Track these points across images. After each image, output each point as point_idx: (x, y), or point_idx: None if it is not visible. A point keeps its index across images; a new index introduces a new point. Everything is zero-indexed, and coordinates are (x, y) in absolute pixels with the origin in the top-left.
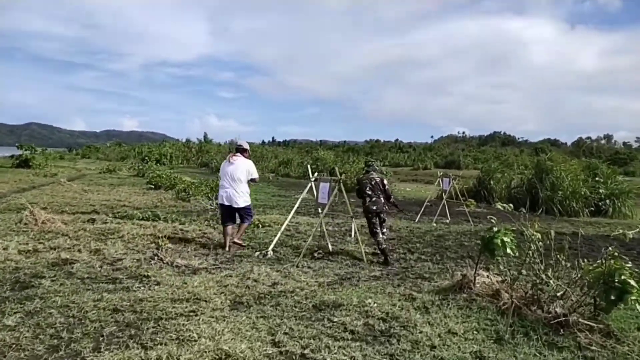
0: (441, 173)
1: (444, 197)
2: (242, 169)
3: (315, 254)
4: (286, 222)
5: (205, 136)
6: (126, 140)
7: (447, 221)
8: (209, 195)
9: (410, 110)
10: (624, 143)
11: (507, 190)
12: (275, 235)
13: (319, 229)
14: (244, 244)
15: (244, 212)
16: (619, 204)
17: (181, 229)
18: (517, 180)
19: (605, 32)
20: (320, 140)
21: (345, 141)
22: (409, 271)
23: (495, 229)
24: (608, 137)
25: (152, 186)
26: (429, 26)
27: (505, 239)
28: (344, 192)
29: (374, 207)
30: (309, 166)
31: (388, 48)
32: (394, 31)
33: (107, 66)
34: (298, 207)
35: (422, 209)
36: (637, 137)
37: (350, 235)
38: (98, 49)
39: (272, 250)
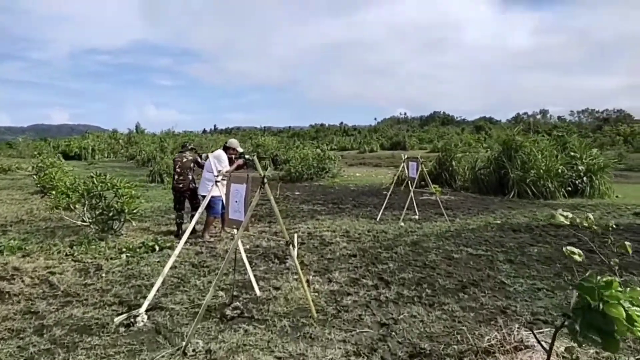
0: (406, 156)
1: (411, 187)
2: (212, 159)
3: (228, 311)
4: (182, 243)
5: (137, 126)
6: (56, 134)
7: (417, 217)
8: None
9: (354, 93)
10: (559, 117)
11: (472, 172)
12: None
13: (235, 260)
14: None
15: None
16: (597, 182)
17: (13, 267)
18: (482, 161)
19: (537, 11)
20: (264, 127)
21: (290, 126)
22: (392, 337)
23: (599, 279)
24: (543, 112)
25: (41, 189)
26: (373, 7)
27: (625, 302)
28: (269, 192)
29: (180, 186)
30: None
31: (331, 30)
32: (337, 12)
33: (30, 55)
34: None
35: (384, 203)
36: (571, 110)
37: (292, 254)
38: (17, 37)
39: (147, 311)
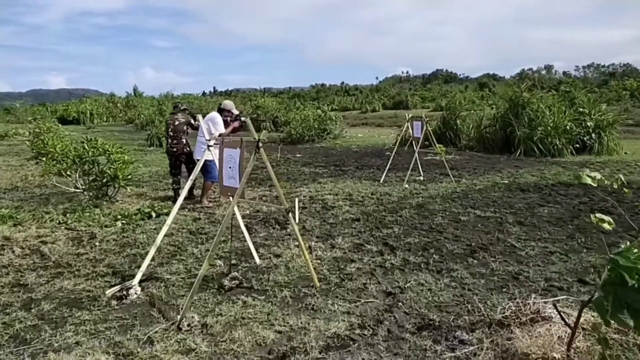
0: (409, 116)
1: (416, 147)
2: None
3: (226, 282)
4: (175, 210)
5: (135, 89)
6: (55, 99)
7: (422, 178)
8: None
9: (354, 52)
10: (564, 72)
11: (477, 130)
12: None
13: (232, 227)
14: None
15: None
16: (606, 138)
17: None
18: (487, 119)
19: None
20: (264, 88)
21: (290, 87)
22: (399, 307)
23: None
24: (548, 68)
25: (38, 155)
26: None
27: None
28: (264, 157)
29: (174, 150)
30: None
31: None
32: None
33: (25, 20)
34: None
35: (388, 164)
36: (576, 65)
37: (293, 220)
38: (10, 2)
39: (141, 282)
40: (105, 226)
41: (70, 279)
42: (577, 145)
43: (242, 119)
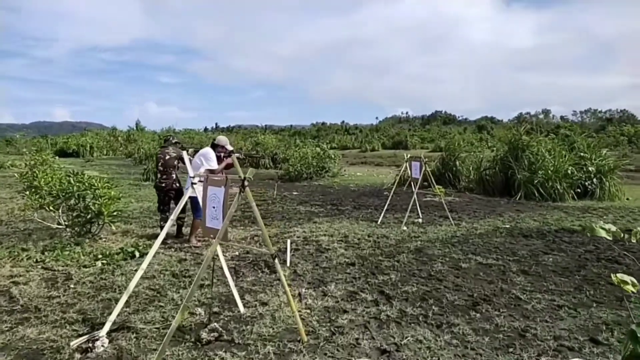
0: (408, 156)
1: (414, 187)
2: (199, 157)
3: (204, 334)
4: (153, 250)
5: (137, 123)
6: (58, 132)
7: (420, 220)
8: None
9: (355, 92)
10: (562, 117)
11: (477, 172)
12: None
13: (213, 270)
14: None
15: (192, 205)
16: (608, 183)
17: None
18: (487, 161)
19: (539, 9)
20: (266, 125)
21: (291, 125)
22: None
23: None
24: (546, 112)
25: (27, 188)
26: (373, 5)
27: None
28: (250, 198)
29: (163, 185)
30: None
31: (333, 28)
32: (338, 10)
33: (34, 53)
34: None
35: (387, 205)
36: (574, 110)
37: (279, 266)
38: (23, 35)
39: (111, 332)
40: (84, 266)
41: (36, 326)
42: (579, 190)
43: (237, 154)
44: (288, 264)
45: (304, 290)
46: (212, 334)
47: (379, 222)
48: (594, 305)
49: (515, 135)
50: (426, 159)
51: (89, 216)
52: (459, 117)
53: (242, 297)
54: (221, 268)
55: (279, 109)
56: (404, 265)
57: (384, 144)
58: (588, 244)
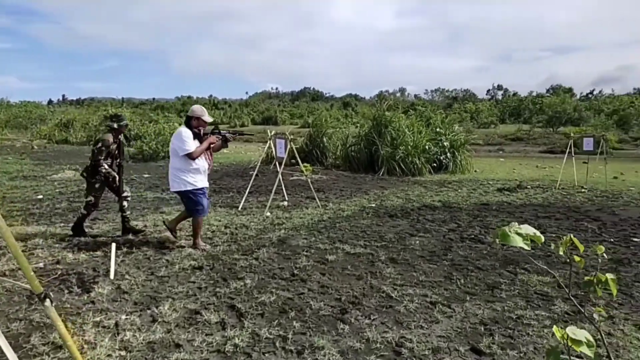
0: (272, 132)
1: (280, 167)
2: (173, 140)
3: None
4: None
5: None
6: None
7: (286, 204)
8: None
9: (225, 66)
10: (415, 95)
11: (343, 149)
12: None
13: None
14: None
15: (185, 200)
16: (459, 157)
17: None
18: (352, 137)
19: None
20: (124, 98)
21: (154, 98)
22: None
23: None
24: (402, 91)
25: None
26: None
27: None
28: None
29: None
30: None
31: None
32: None
33: None
34: None
35: (249, 187)
36: (426, 89)
37: (51, 314)
38: None
39: None
40: None
41: None
42: (434, 165)
43: (224, 132)
44: (112, 277)
45: (124, 317)
46: None
47: (240, 208)
48: (467, 298)
49: (378, 111)
50: (293, 135)
51: None
52: (326, 93)
53: (31, 335)
54: None
55: (139, 81)
56: (263, 264)
57: (253, 120)
58: (450, 221)
